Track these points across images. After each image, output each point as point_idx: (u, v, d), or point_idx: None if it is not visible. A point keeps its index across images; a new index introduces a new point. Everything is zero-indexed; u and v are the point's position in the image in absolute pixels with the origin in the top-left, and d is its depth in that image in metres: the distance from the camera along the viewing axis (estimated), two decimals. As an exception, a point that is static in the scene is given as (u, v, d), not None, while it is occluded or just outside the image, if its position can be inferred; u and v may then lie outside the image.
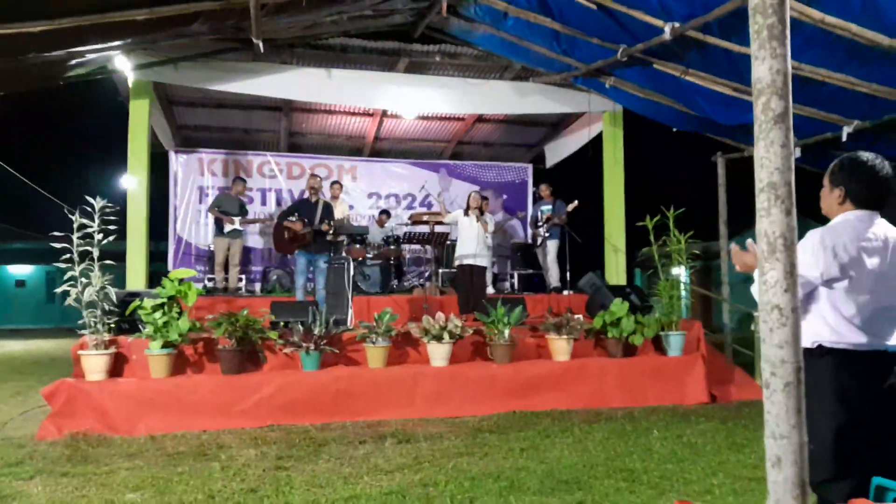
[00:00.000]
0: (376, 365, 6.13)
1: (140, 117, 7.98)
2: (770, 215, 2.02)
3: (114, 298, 5.62)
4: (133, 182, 7.92)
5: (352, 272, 6.80)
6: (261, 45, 6.92)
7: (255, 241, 11.36)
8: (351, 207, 11.90)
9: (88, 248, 5.59)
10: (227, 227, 9.52)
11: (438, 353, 6.23)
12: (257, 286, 10.94)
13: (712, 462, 4.33)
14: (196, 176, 11.40)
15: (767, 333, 2.00)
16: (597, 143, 10.11)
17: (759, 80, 2.05)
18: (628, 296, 7.27)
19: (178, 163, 11.37)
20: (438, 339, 6.21)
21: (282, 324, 6.37)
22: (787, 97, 2.04)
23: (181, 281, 5.78)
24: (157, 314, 5.55)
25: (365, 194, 12.15)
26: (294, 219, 7.62)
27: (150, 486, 3.94)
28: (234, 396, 5.67)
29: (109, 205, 5.66)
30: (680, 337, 6.93)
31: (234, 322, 5.76)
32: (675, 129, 8.87)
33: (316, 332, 5.97)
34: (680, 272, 7.74)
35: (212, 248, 10.16)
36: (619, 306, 6.74)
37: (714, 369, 7.15)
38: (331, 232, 7.45)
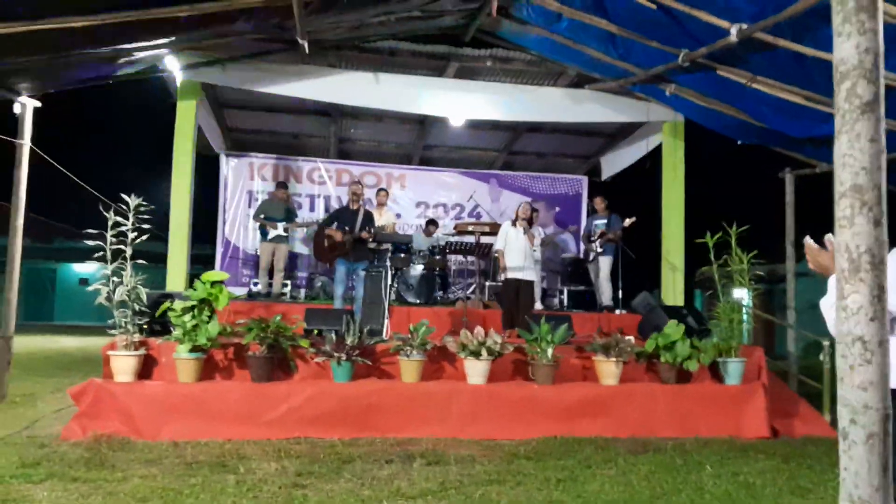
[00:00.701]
0: (410, 379, 5.87)
1: (187, 118, 7.98)
2: (854, 225, 1.65)
3: (144, 299, 5.53)
4: (178, 183, 7.89)
5: (390, 281, 6.57)
6: (306, 45, 6.81)
7: (301, 247, 11.32)
8: (398, 216, 11.79)
9: (122, 246, 5.51)
10: (272, 233, 9.49)
11: (476, 370, 5.93)
12: (302, 292, 10.89)
13: (772, 508, 3.88)
14: (246, 180, 11.49)
15: (846, 371, 1.63)
16: (655, 155, 9.66)
17: (843, 60, 1.69)
18: (684, 318, 6.82)
19: (229, 166, 11.47)
20: (476, 355, 5.90)
21: (315, 332, 6.18)
22: (877, 81, 1.67)
23: (213, 284, 5.63)
24: (187, 317, 5.43)
25: (413, 203, 12.03)
26: (335, 227, 7.45)
27: (159, 498, 3.75)
28: (261, 405, 5.50)
29: (144, 203, 5.57)
30: (739, 364, 6.43)
31: (265, 328, 5.59)
32: (739, 142, 8.36)
33: (348, 341, 5.75)
34: (742, 295, 7.24)
35: (258, 253, 10.15)
36: (674, 329, 6.30)
37: (776, 401, 6.60)
38: (371, 240, 7.23)
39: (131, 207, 5.57)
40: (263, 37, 7.16)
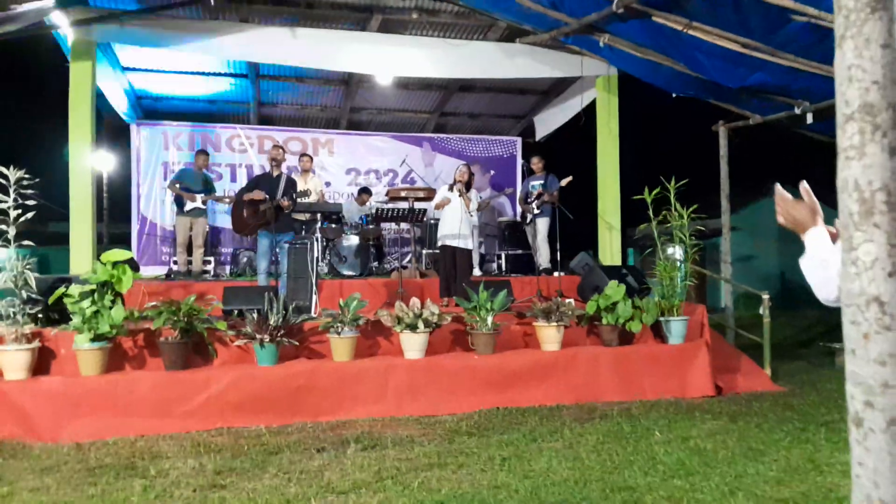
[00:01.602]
0: (342, 358, 5.46)
1: (83, 81, 7.16)
2: (864, 156, 1.30)
3: (33, 284, 4.88)
4: (76, 154, 7.12)
5: (317, 253, 6.08)
6: (211, -4, 6.14)
7: (224, 220, 10.61)
8: (328, 184, 11.22)
9: (2, 226, 4.83)
10: (189, 205, 8.80)
11: (412, 344, 5.56)
12: (228, 269, 10.26)
13: (727, 476, 3.67)
14: (160, 150, 10.70)
15: (859, 341, 1.30)
16: (590, 112, 9.39)
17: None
18: (624, 277, 6.61)
19: (141, 136, 10.65)
20: (412, 328, 5.53)
21: (235, 312, 5.67)
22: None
23: (116, 264, 5.04)
24: (86, 303, 4.83)
25: (343, 170, 11.49)
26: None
27: (48, 515, 3.25)
28: (177, 395, 4.98)
29: (27, 176, 4.89)
30: (682, 322, 6.29)
31: (176, 311, 5.05)
32: (674, 95, 8.17)
33: (272, 321, 5.27)
34: (675, 251, 7.12)
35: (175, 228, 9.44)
36: (615, 289, 6.07)
37: (718, 357, 6.53)
38: (291, 208, 6.70)
39: (12, 181, 4.88)
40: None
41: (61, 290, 4.97)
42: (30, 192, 4.91)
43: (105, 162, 20.13)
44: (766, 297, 6.83)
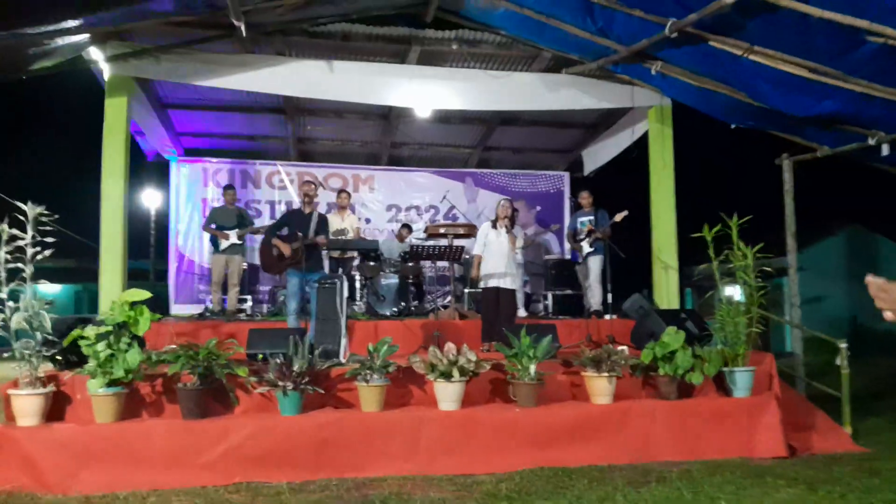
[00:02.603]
0: (371, 408, 5.09)
1: (117, 116, 7.13)
2: None
3: (48, 326, 4.69)
4: (109, 190, 7.06)
5: (346, 293, 5.79)
6: (243, 28, 6.07)
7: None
8: (368, 221, 11.08)
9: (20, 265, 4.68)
10: (224, 243, 8.68)
11: (447, 394, 5.17)
12: (265, 308, 10.10)
13: (812, 564, 3.13)
14: (199, 187, 10.73)
15: None
16: (642, 145, 8.98)
17: None
18: (683, 323, 6.12)
19: (180, 173, 10.68)
20: (447, 376, 5.14)
21: (260, 357, 5.38)
22: None
23: (134, 304, 4.82)
24: (101, 345, 4.60)
25: (383, 206, 11.35)
26: (286, 232, 6.66)
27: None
28: (194, 446, 4.69)
29: (46, 213, 4.74)
30: (748, 374, 5.73)
31: (194, 355, 4.78)
32: (733, 126, 7.72)
33: (296, 367, 4.95)
34: (734, 293, 6.61)
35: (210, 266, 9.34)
36: (673, 336, 5.57)
37: (789, 412, 5.89)
38: (325, 246, 6.46)
39: (30, 218, 4.74)
40: (192, 19, 6.39)
41: (77, 331, 4.77)
42: (49, 228, 4.76)
43: (152, 199, 20.76)
44: (843, 345, 6.21)
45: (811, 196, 8.84)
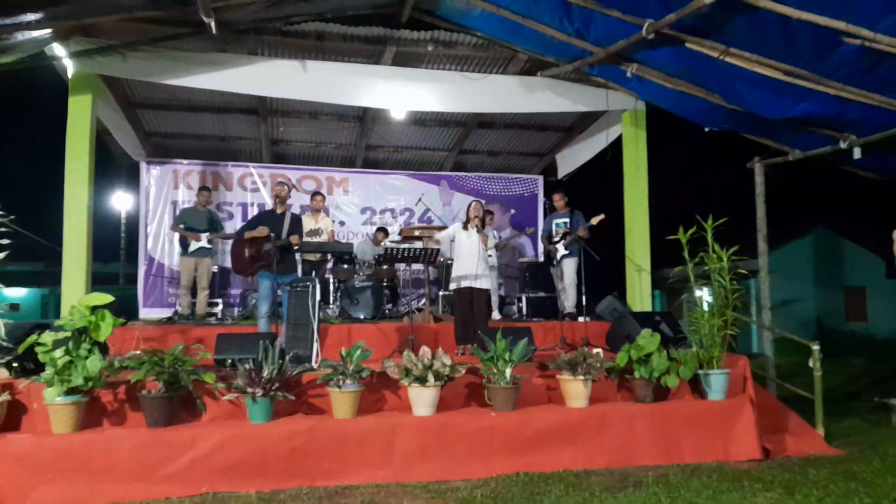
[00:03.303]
0: (343, 415, 4.91)
1: (81, 115, 6.85)
2: None
3: (2, 331, 4.42)
4: (72, 191, 6.77)
5: (318, 296, 5.59)
6: (213, 24, 5.85)
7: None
8: (342, 224, 10.89)
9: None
10: (194, 245, 8.41)
11: (422, 399, 5.00)
12: (236, 311, 9.85)
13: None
14: (170, 189, 10.42)
15: None
16: (616, 148, 8.92)
17: None
18: (658, 325, 6.03)
19: (150, 175, 10.38)
20: (422, 380, 4.97)
21: (228, 362, 5.16)
22: None
23: (95, 308, 4.57)
24: (58, 352, 4.35)
25: (358, 209, 11.18)
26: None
27: None
28: (159, 456, 4.45)
29: (1, 213, 4.47)
30: (723, 376, 5.64)
31: (160, 361, 4.55)
32: (706, 129, 7.68)
33: (265, 373, 4.75)
34: (702, 294, 6.56)
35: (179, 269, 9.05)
36: (648, 339, 5.47)
37: (763, 414, 5.85)
38: (297, 247, 6.26)
39: (-15, 219, 4.47)
40: (160, 15, 6.14)
41: (33, 337, 4.50)
42: (4, 230, 4.49)
43: (123, 202, 20.26)
44: (815, 347, 6.18)
45: (780, 199, 8.85)
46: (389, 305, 9.06)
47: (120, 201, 20.14)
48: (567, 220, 8.37)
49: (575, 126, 10.24)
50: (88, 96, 6.90)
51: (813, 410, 6.25)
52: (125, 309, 7.50)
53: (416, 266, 10.35)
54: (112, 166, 11.42)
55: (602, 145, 9.40)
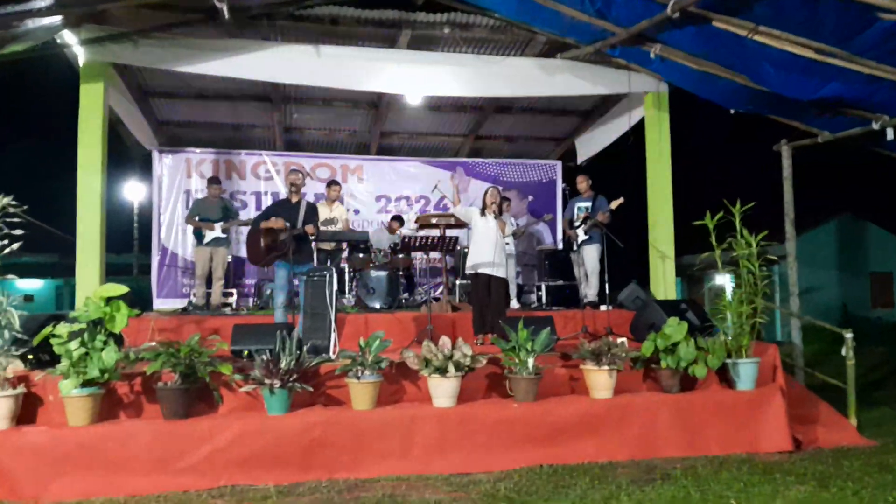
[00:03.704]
0: (362, 406, 4.87)
1: (93, 104, 6.82)
2: None
3: (16, 323, 4.40)
4: (85, 181, 6.76)
5: (335, 286, 5.55)
6: (225, 9, 5.78)
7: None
8: (357, 212, 10.86)
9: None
10: (208, 236, 8.40)
11: (442, 390, 4.95)
12: (251, 302, 9.86)
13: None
14: (183, 178, 10.44)
15: None
16: (637, 133, 8.77)
17: None
18: (684, 313, 5.92)
19: (163, 164, 10.39)
20: (442, 371, 4.92)
21: (245, 353, 5.13)
22: None
23: (110, 299, 4.55)
24: (73, 344, 4.33)
25: (373, 197, 11.13)
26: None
27: None
28: (176, 449, 4.44)
29: (14, 203, 4.45)
30: (752, 365, 5.54)
31: (174, 353, 4.52)
32: (732, 111, 7.54)
33: (283, 364, 4.71)
34: (725, 282, 6.44)
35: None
36: (675, 327, 5.38)
37: (793, 404, 5.74)
38: (314, 236, 6.21)
39: (-4, 209, 4.44)
40: (172, 1, 6.07)
41: (48, 329, 4.49)
42: (18, 220, 4.47)
43: (135, 192, 20.35)
44: (848, 335, 6.04)
45: (803, 183, 8.65)
46: (406, 294, 9.05)
47: (133, 191, 20.24)
48: (589, 204, 8.25)
49: (595, 109, 10.09)
50: (100, 85, 6.87)
51: (842, 400, 6.13)
52: (139, 300, 7.53)
53: (433, 254, 10.30)
54: (125, 156, 11.44)
55: (623, 129, 9.26)
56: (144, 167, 12.23)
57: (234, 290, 9.51)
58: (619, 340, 5.58)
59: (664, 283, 8.17)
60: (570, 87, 8.03)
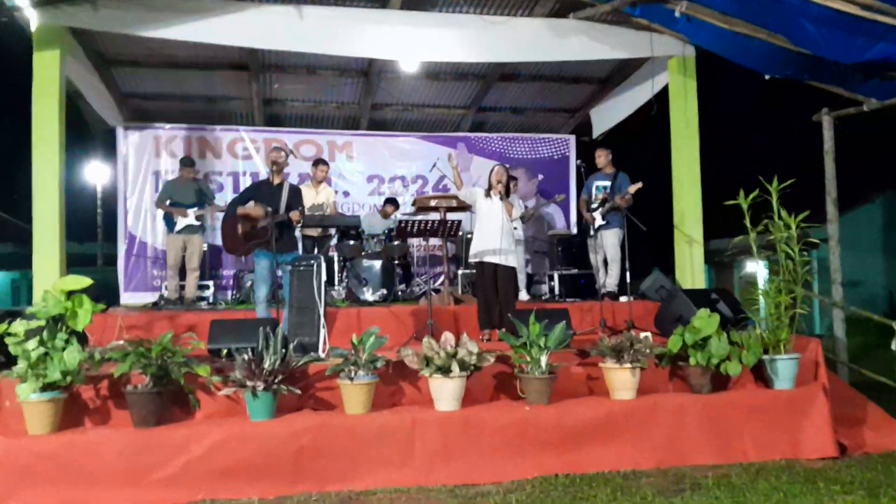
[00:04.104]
0: (356, 410, 4.87)
1: (48, 75, 6.79)
2: None
3: (-35, 320, 4.40)
4: (41, 162, 6.72)
5: (324, 276, 5.55)
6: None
7: (224, 237, 10.24)
8: (346, 194, 10.85)
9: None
10: (181, 222, 8.39)
11: (445, 392, 4.95)
12: (229, 295, 9.86)
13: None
14: (151, 158, 10.45)
15: None
16: (661, 102, 8.74)
17: None
18: (715, 304, 5.91)
19: (128, 142, 10.39)
20: (445, 371, 4.92)
21: (224, 352, 5.13)
22: None
23: (71, 294, 4.53)
24: (31, 343, 4.31)
25: (364, 177, 11.14)
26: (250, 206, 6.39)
27: None
28: (150, 459, 4.44)
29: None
30: (792, 362, 5.53)
31: (146, 352, 4.51)
32: (766, 77, 7.52)
33: (267, 364, 4.71)
34: (757, 268, 6.44)
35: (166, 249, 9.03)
36: (705, 320, 5.36)
37: (838, 404, 5.73)
38: (299, 222, 6.20)
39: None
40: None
41: (3, 326, 4.48)
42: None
43: (99, 174, 20.29)
44: (898, 326, 6.02)
45: (845, 157, 8.61)
46: (402, 286, 9.09)
47: (96, 173, 20.15)
48: (608, 183, 8.22)
49: (612, 77, 10.10)
50: (56, 52, 6.83)
51: (891, 399, 6.14)
52: (105, 293, 7.51)
53: (433, 241, 10.29)
54: (86, 134, 11.41)
55: (643, 98, 9.25)
56: (108, 146, 12.19)
57: (211, 283, 9.51)
58: (643, 335, 5.64)
59: (692, 270, 8.19)
60: (585, 51, 8.02)
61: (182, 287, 8.55)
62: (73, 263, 7.62)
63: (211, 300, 9.16)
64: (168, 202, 8.43)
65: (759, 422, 5.25)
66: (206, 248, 9.12)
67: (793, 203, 5.97)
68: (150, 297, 9.54)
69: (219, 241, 9.89)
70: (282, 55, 8.82)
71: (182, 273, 8.57)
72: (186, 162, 8.71)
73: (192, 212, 8.38)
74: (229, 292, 9.96)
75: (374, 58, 8.65)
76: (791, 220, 5.73)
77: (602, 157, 8.45)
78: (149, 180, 10.28)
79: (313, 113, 11.08)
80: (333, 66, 9.48)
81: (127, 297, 9.94)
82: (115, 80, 9.54)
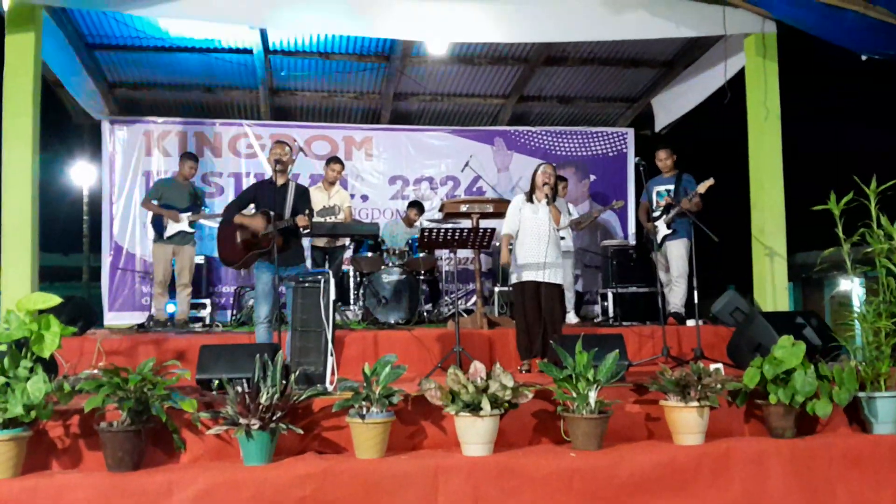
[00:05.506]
0: (369, 454, 4.83)
1: (21, 60, 6.83)
2: None
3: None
4: (12, 159, 6.80)
5: (332, 295, 5.53)
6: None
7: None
8: (364, 198, 10.95)
9: None
10: (172, 228, 8.45)
11: (474, 433, 4.88)
12: (228, 316, 9.97)
13: None
14: (141, 156, 10.77)
15: None
16: (735, 89, 8.65)
17: None
18: (801, 330, 5.81)
19: (115, 138, 10.69)
20: (474, 408, 4.85)
21: (215, 383, 5.11)
22: None
23: (39, 314, 4.53)
24: (-9, 372, 4.32)
25: (385, 179, 11.32)
26: (251, 211, 6.41)
27: None
28: (126, 510, 4.44)
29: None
30: (895, 402, 5.37)
31: (123, 383, 4.49)
32: (863, 57, 7.44)
33: (264, 398, 4.67)
34: (851, 286, 6.32)
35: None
36: (788, 350, 5.25)
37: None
38: (306, 228, 6.27)
39: None
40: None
41: (-41, 352, 4.48)
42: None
43: (86, 175, 20.62)
44: None
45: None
46: (428, 306, 9.23)
47: (82, 175, 20.48)
48: (672, 186, 8.23)
49: (678, 59, 10.11)
50: (30, 34, 6.89)
51: None
52: (87, 313, 7.59)
53: (464, 253, 10.26)
54: (69, 129, 11.58)
55: (716, 84, 9.26)
56: (94, 142, 12.40)
57: (208, 301, 9.61)
58: (713, 367, 5.56)
59: (773, 289, 8.06)
60: (646, 29, 7.97)
61: (172, 306, 8.62)
62: (55, 278, 7.75)
63: (207, 322, 9.23)
64: (157, 202, 8.48)
65: (855, 473, 5.12)
66: (200, 261, 9.21)
67: (890, 208, 5.88)
68: (138, 318, 9.65)
69: (216, 253, 10.06)
70: (291, 37, 8.96)
71: (173, 289, 8.63)
72: (189, 156, 8.80)
73: (185, 216, 8.42)
74: (229, 312, 10.04)
75: (398, 38, 8.67)
76: (893, 228, 5.64)
77: (665, 159, 8.47)
78: (138, 182, 10.50)
79: (327, 104, 11.20)
80: (351, 49, 9.57)
81: (112, 317, 10.09)
82: (99, 65, 9.72)
